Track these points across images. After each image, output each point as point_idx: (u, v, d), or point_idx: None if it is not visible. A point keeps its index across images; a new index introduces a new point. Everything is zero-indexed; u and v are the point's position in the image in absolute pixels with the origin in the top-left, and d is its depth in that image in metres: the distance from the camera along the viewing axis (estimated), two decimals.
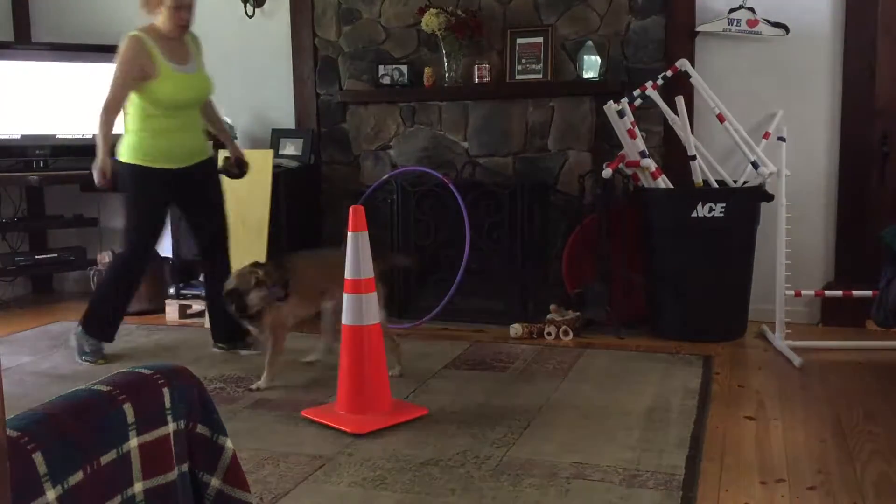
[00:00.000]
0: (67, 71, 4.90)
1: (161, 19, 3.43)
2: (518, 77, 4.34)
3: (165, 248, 5.14)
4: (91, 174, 3.53)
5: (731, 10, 4.03)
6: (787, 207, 3.74)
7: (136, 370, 1.43)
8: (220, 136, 3.86)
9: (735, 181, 3.93)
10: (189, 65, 3.51)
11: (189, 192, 3.60)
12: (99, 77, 4.94)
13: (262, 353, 3.51)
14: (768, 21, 4.00)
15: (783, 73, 4.08)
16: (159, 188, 3.54)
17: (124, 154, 3.53)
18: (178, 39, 3.51)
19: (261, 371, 3.33)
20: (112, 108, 3.43)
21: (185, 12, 3.44)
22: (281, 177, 4.43)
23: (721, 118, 3.87)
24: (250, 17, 4.84)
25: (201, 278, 4.61)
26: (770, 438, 2.66)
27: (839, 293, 3.83)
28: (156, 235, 3.65)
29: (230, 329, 3.70)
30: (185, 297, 4.57)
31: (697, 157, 3.85)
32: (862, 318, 3.96)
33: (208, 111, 3.74)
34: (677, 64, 3.97)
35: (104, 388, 1.33)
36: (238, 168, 3.80)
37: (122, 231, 3.74)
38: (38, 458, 1.14)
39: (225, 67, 4.98)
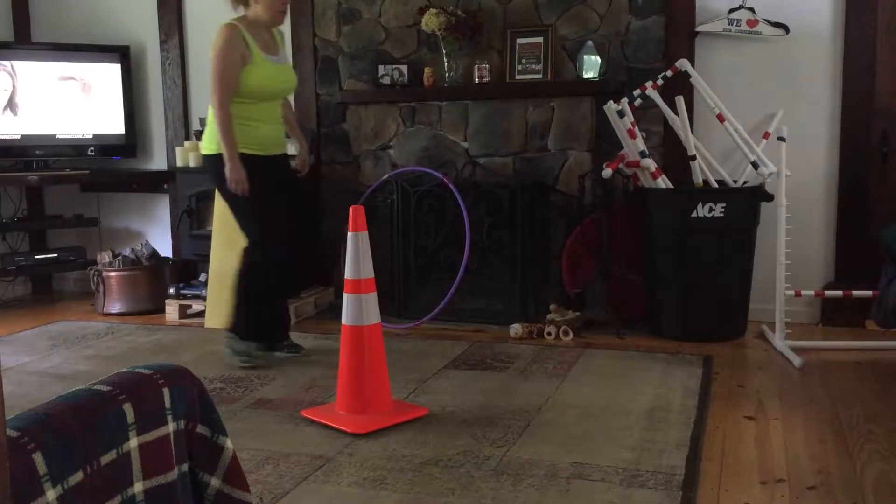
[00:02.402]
0: (67, 71, 4.90)
1: (259, 9, 3.41)
2: (518, 77, 4.34)
3: (165, 248, 5.16)
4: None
5: (731, 10, 4.04)
6: (787, 207, 3.74)
7: (136, 370, 1.43)
8: (292, 132, 3.79)
9: (735, 181, 3.93)
10: (279, 56, 3.54)
11: (272, 182, 3.51)
12: (99, 77, 4.97)
13: (301, 355, 3.61)
14: (768, 21, 4.00)
15: (783, 73, 4.08)
16: (259, 172, 3.43)
17: (213, 146, 3.45)
18: (268, 31, 3.51)
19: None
20: (227, 102, 3.34)
21: None
22: None
23: (721, 118, 3.87)
24: None
25: (201, 278, 4.62)
26: (770, 438, 2.66)
27: (839, 293, 3.83)
28: (277, 226, 3.52)
29: (277, 327, 3.66)
30: (184, 297, 4.57)
31: (697, 157, 3.85)
32: (862, 318, 3.96)
33: (286, 108, 3.71)
34: (677, 64, 3.97)
35: (104, 388, 1.33)
36: (299, 170, 3.79)
37: (242, 230, 3.54)
38: (38, 458, 1.14)
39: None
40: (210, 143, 3.48)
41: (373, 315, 2.86)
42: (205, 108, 4.99)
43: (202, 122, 4.76)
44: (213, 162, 3.44)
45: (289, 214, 3.65)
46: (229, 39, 3.34)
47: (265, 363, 3.58)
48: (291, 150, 3.89)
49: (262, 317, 3.58)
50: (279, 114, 3.59)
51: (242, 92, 3.38)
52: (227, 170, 3.34)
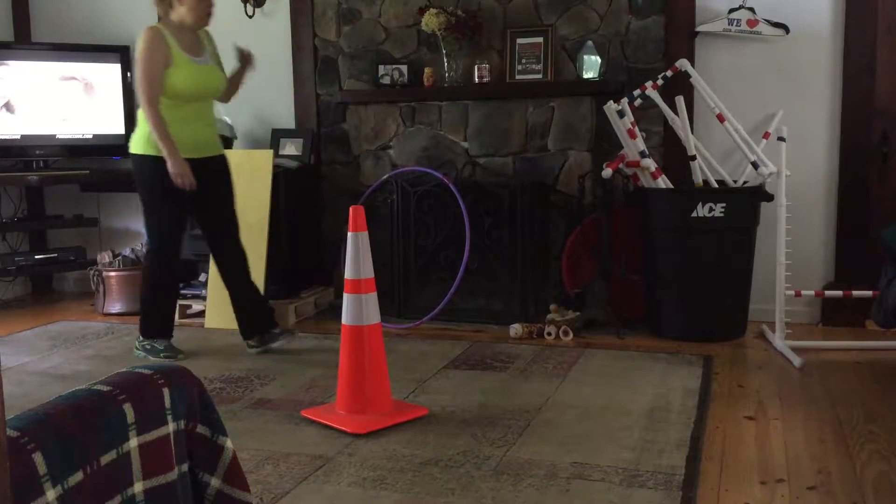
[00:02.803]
0: (67, 71, 4.90)
1: (183, 11, 3.48)
2: (518, 77, 4.34)
3: None
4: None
5: (731, 10, 4.03)
6: (787, 207, 3.74)
7: (136, 370, 1.43)
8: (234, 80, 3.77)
9: (735, 181, 3.93)
10: (203, 57, 3.57)
11: (201, 185, 3.54)
12: (99, 77, 4.97)
13: (294, 338, 3.73)
14: (768, 21, 4.00)
15: (783, 73, 4.08)
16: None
17: (139, 146, 3.52)
18: (193, 33, 3.55)
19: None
20: (155, 101, 3.41)
21: (208, 1, 3.52)
22: (281, 177, 4.43)
23: (721, 118, 3.87)
24: (250, 17, 4.84)
25: (202, 278, 4.62)
26: (770, 438, 2.66)
27: (839, 293, 3.83)
28: (182, 228, 3.66)
29: (258, 317, 3.74)
30: (184, 297, 4.57)
31: (697, 157, 3.85)
32: (862, 318, 3.96)
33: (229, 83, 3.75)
34: (677, 64, 3.97)
35: (104, 388, 1.33)
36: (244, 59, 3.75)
37: (146, 229, 3.69)
38: (38, 458, 1.14)
39: (225, 67, 4.98)
40: (137, 143, 3.54)
41: (373, 315, 2.86)
42: None
43: None
44: (138, 162, 3.53)
45: (224, 210, 3.71)
46: (151, 42, 3.43)
47: (185, 355, 3.70)
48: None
49: (167, 314, 3.72)
50: (210, 115, 3.65)
51: (168, 93, 3.45)
52: (169, 166, 3.41)
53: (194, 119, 3.55)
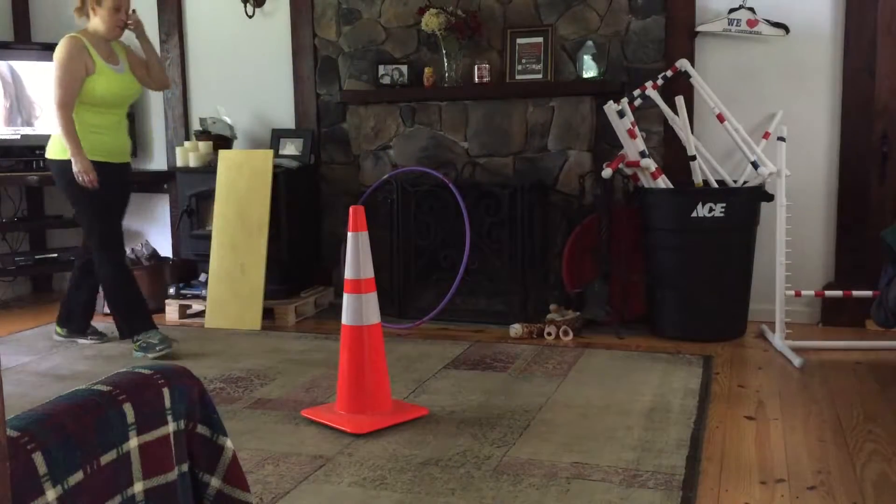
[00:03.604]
0: None
1: (97, 22, 3.67)
2: (518, 77, 4.34)
3: (165, 248, 5.16)
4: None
5: (731, 10, 4.03)
6: (787, 207, 3.74)
7: (136, 370, 1.43)
8: (151, 59, 3.89)
9: (735, 181, 3.93)
10: (120, 66, 3.74)
11: (113, 188, 3.74)
12: None
13: (103, 341, 3.92)
14: (768, 21, 4.00)
15: (783, 73, 4.08)
16: (107, 179, 3.67)
17: (57, 152, 3.66)
18: (108, 43, 3.73)
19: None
20: (69, 105, 3.56)
21: (123, 14, 3.69)
22: (281, 177, 4.43)
23: (721, 118, 3.87)
24: (250, 17, 4.84)
25: (201, 278, 4.62)
26: (770, 438, 2.66)
27: (839, 293, 3.83)
28: (119, 218, 3.83)
29: (87, 318, 4.02)
30: (185, 297, 4.57)
31: (697, 157, 3.85)
32: (862, 318, 3.96)
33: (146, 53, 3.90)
34: (677, 64, 3.97)
35: (104, 388, 1.33)
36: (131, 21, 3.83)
37: (86, 230, 3.83)
38: (38, 458, 1.14)
39: (225, 67, 4.99)
40: (54, 149, 3.67)
41: (373, 315, 2.86)
42: (205, 107, 5.01)
43: (202, 122, 4.76)
44: (59, 167, 3.66)
45: (120, 218, 3.90)
46: (71, 49, 3.57)
47: (175, 341, 3.81)
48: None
49: (141, 303, 3.82)
50: (124, 123, 3.85)
51: (90, 100, 3.61)
52: (73, 164, 3.56)
53: (116, 125, 3.76)
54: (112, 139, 3.73)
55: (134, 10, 3.81)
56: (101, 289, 3.93)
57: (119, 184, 3.77)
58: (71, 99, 3.54)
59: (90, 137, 3.62)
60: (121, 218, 3.88)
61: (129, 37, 3.82)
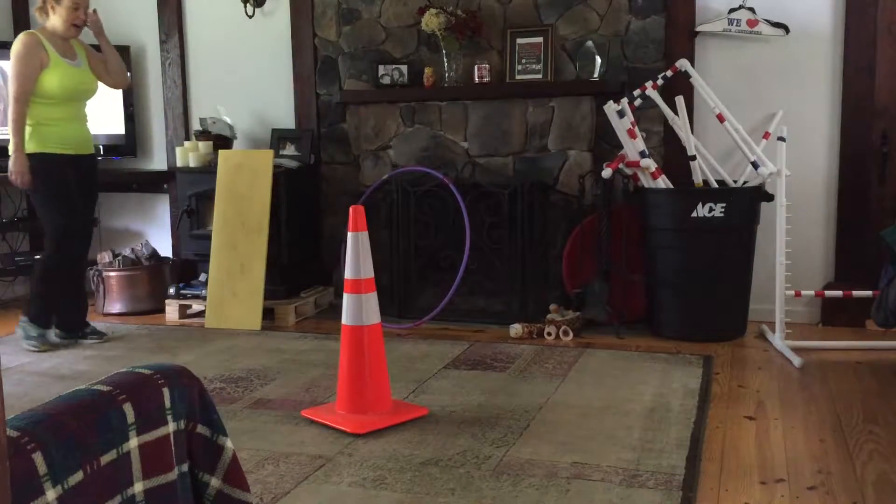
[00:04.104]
0: None
1: (56, 20, 3.78)
2: (518, 77, 4.34)
3: (165, 248, 5.16)
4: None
5: (731, 10, 4.03)
6: (787, 207, 3.74)
7: (136, 370, 1.43)
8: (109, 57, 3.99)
9: (735, 181, 3.93)
10: (77, 61, 3.86)
11: (72, 180, 3.82)
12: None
13: (104, 340, 3.95)
14: (768, 21, 4.00)
15: (783, 73, 4.08)
16: (63, 170, 3.77)
17: (28, 146, 3.73)
18: (65, 41, 3.84)
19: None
20: (24, 100, 3.68)
21: (81, 12, 3.80)
22: (281, 177, 4.43)
23: (721, 118, 3.87)
24: (250, 17, 4.85)
25: (202, 278, 4.62)
26: (770, 438, 2.66)
27: (839, 293, 3.83)
28: (79, 220, 3.87)
29: (82, 314, 4.05)
30: (184, 296, 4.57)
31: (697, 157, 3.85)
32: (862, 318, 3.96)
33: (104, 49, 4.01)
34: (677, 64, 3.97)
35: (104, 388, 1.33)
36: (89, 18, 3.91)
37: (46, 224, 3.87)
38: (38, 458, 1.14)
39: (225, 67, 4.99)
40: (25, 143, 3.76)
41: (373, 315, 2.86)
42: (205, 107, 5.01)
43: (202, 122, 4.76)
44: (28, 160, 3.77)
45: (88, 210, 4.00)
46: (27, 45, 3.70)
47: (50, 348, 3.90)
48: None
49: (58, 306, 3.96)
50: (84, 115, 3.94)
51: (45, 93, 3.73)
52: (10, 161, 3.70)
53: (73, 118, 3.85)
54: (66, 130, 3.80)
55: (94, 10, 3.89)
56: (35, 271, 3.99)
57: (78, 176, 3.83)
58: (26, 92, 3.66)
59: (43, 130, 3.73)
60: (86, 211, 3.94)
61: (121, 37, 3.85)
